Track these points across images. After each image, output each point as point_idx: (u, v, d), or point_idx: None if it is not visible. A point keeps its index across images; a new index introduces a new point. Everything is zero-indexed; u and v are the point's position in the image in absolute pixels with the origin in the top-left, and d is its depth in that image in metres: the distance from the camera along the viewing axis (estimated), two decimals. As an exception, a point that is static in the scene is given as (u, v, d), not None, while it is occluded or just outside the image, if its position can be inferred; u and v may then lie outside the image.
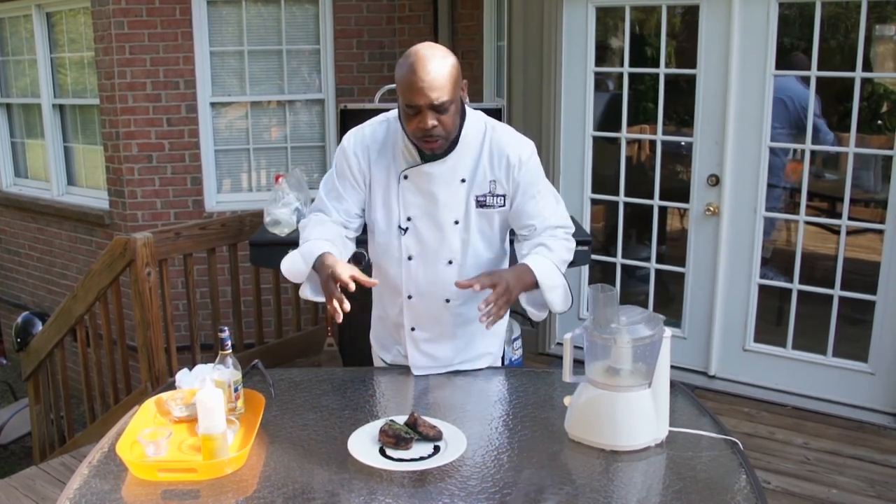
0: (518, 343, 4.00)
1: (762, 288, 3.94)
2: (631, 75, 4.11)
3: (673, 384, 1.90)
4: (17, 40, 6.13)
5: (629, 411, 1.76)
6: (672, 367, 1.82)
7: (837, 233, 3.74)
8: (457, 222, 2.13)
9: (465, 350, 2.25)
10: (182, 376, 2.03)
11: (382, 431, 1.76)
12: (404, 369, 2.26)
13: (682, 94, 4.06)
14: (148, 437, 1.76)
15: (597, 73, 4.21)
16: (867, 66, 3.77)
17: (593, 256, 4.16)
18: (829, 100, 3.97)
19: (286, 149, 5.44)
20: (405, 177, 2.11)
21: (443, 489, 1.63)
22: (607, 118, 4.30)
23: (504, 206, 2.14)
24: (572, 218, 3.99)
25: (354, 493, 1.63)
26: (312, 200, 3.90)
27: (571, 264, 3.53)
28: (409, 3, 5.24)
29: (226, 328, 1.95)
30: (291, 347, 4.62)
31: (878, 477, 3.19)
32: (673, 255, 4.30)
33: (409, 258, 2.17)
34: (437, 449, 1.75)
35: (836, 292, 3.75)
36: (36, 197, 6.15)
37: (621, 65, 4.16)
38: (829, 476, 3.20)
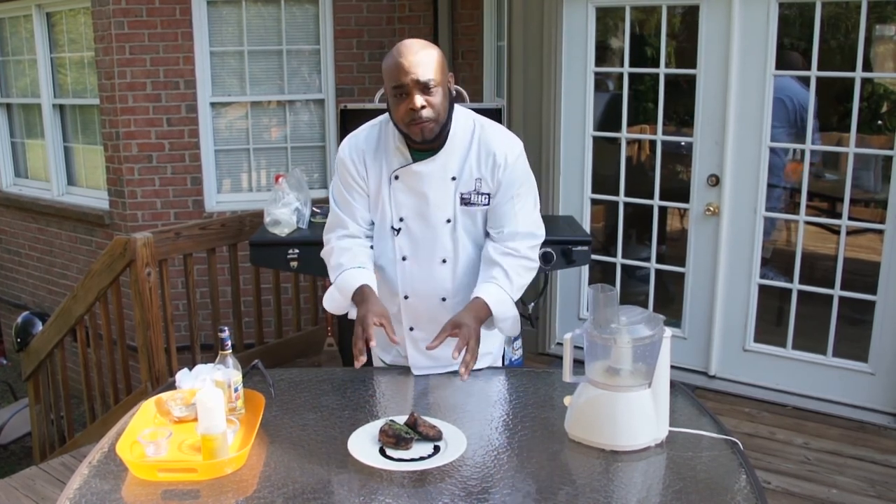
0: (518, 343, 3.99)
1: (762, 288, 3.93)
2: (631, 75, 4.11)
3: (673, 384, 1.90)
4: (17, 40, 6.13)
5: (629, 411, 1.76)
6: (672, 367, 1.82)
7: (837, 233, 3.74)
8: (449, 221, 2.14)
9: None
10: (182, 376, 2.03)
11: (382, 431, 1.76)
12: (404, 369, 2.26)
13: (682, 94, 4.06)
14: (148, 437, 1.76)
15: (597, 73, 4.21)
16: (867, 66, 3.77)
17: (593, 256, 4.16)
18: (829, 100, 3.97)
19: (286, 149, 5.44)
20: (396, 177, 2.12)
21: (443, 489, 1.63)
22: (607, 118, 4.30)
23: (488, 204, 2.15)
24: (571, 218, 4.03)
25: (354, 493, 1.63)
26: (312, 201, 3.95)
27: (571, 263, 3.58)
28: (409, 3, 5.24)
29: (226, 328, 1.95)
30: (291, 347, 4.62)
31: (879, 477, 3.19)
32: (673, 255, 4.30)
33: (404, 258, 2.18)
34: (437, 449, 1.75)
35: (836, 292, 3.74)
36: (36, 197, 6.15)
37: (621, 65, 4.16)
38: (830, 476, 3.20)
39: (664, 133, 4.07)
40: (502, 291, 2.11)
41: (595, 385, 1.80)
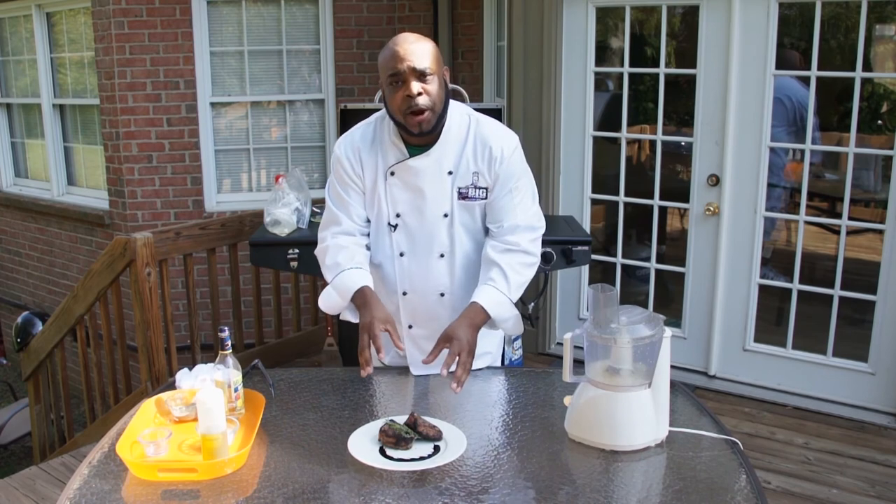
0: (518, 343, 3.99)
1: (762, 288, 3.94)
2: (631, 75, 4.11)
3: (673, 384, 1.90)
4: (17, 40, 6.13)
5: (629, 411, 1.76)
6: (672, 367, 1.82)
7: (837, 233, 3.74)
8: (446, 215, 2.14)
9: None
10: (182, 376, 2.03)
11: (382, 431, 1.76)
12: (404, 369, 2.26)
13: (682, 94, 4.06)
14: (148, 437, 1.76)
15: (597, 73, 4.21)
16: (867, 66, 3.77)
17: (593, 256, 4.16)
18: (828, 100, 3.97)
19: (286, 149, 5.44)
20: (392, 173, 2.12)
21: (443, 489, 1.63)
22: (607, 118, 4.30)
23: (486, 198, 2.15)
24: (571, 218, 4.03)
25: (354, 494, 1.63)
26: (313, 201, 3.95)
27: (571, 263, 3.58)
28: (409, 3, 5.24)
29: (226, 328, 1.95)
30: (291, 347, 4.62)
31: (879, 477, 3.19)
32: (673, 255, 4.30)
33: (401, 254, 2.18)
34: (437, 449, 1.75)
35: (836, 292, 3.74)
36: (36, 197, 6.15)
37: (621, 65, 4.16)
38: (830, 476, 3.20)
39: (664, 133, 4.07)
40: (499, 293, 2.11)
41: (595, 385, 1.80)
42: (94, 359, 4.17)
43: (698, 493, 1.62)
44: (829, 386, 3.81)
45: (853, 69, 3.54)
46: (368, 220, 2.23)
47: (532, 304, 3.76)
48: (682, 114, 4.14)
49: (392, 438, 1.74)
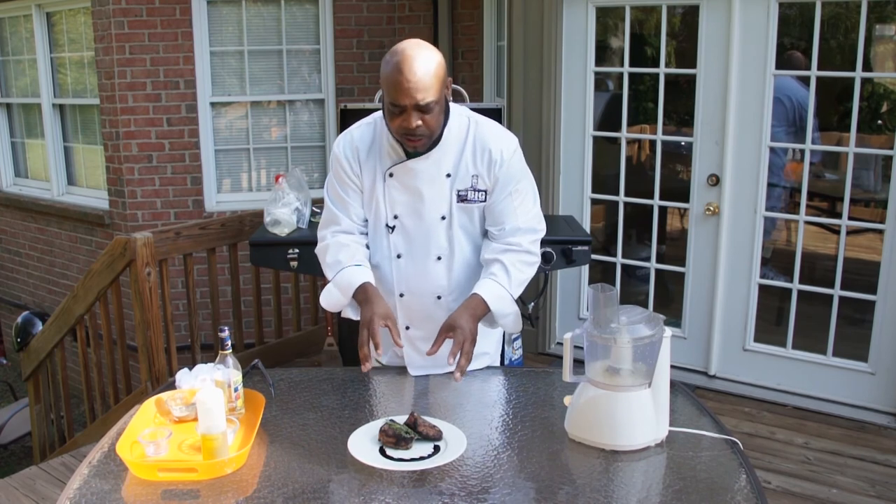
0: (518, 343, 4.00)
1: (762, 288, 3.94)
2: (631, 75, 4.11)
3: (673, 384, 1.90)
4: (17, 40, 6.13)
5: (629, 411, 1.76)
6: (672, 366, 1.82)
7: (837, 233, 3.74)
8: (443, 218, 2.14)
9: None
10: (182, 376, 2.03)
11: (382, 431, 1.76)
12: (403, 369, 2.26)
13: (682, 94, 4.06)
14: (148, 437, 1.76)
15: (597, 73, 4.21)
16: (867, 66, 3.77)
17: (593, 256, 4.16)
18: (828, 100, 3.97)
19: (286, 149, 5.44)
20: (390, 175, 2.12)
21: (443, 489, 1.63)
22: (607, 118, 4.30)
23: (485, 201, 2.14)
24: (571, 218, 4.03)
25: (354, 493, 1.63)
26: (313, 201, 3.95)
27: (571, 263, 3.58)
28: (409, 3, 5.24)
29: (226, 328, 1.95)
30: (291, 347, 4.62)
31: (879, 477, 3.19)
32: (673, 254, 4.30)
33: (399, 256, 2.18)
34: (437, 449, 1.75)
35: (836, 292, 3.74)
36: (36, 197, 6.15)
37: (621, 65, 4.16)
38: (830, 476, 3.20)
39: (664, 133, 4.07)
40: (501, 288, 2.11)
41: (595, 385, 1.80)
42: (94, 359, 4.17)
43: (698, 493, 1.62)
44: (829, 386, 3.81)
45: (853, 69, 3.54)
46: (367, 220, 2.23)
47: (532, 303, 3.76)
48: (682, 114, 4.14)
49: (392, 438, 1.74)
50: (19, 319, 5.87)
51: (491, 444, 1.83)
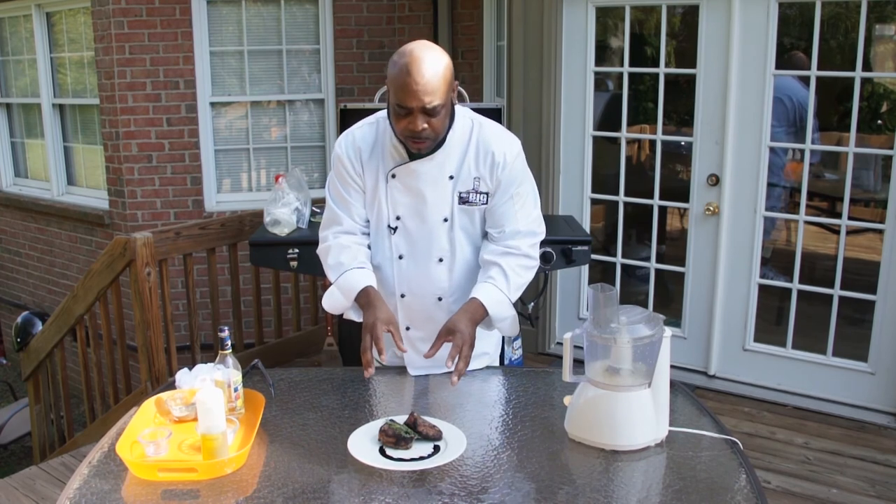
0: (518, 343, 4.00)
1: (762, 288, 3.94)
2: (631, 75, 4.11)
3: (673, 384, 1.90)
4: (17, 40, 6.13)
5: (629, 411, 1.76)
6: (672, 366, 1.82)
7: (837, 232, 3.74)
8: (446, 220, 2.14)
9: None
10: (182, 376, 2.03)
11: (382, 431, 1.76)
12: (403, 369, 2.26)
13: (682, 94, 4.06)
14: (148, 437, 1.76)
15: (597, 73, 4.21)
16: (867, 66, 3.77)
17: (593, 256, 4.16)
18: (829, 100, 3.97)
19: (286, 149, 5.44)
20: (393, 176, 2.12)
21: (443, 489, 1.63)
22: (607, 118, 4.30)
23: (486, 203, 2.14)
24: (571, 217, 4.03)
25: (354, 493, 1.63)
26: (312, 201, 3.95)
27: (571, 263, 3.58)
28: (409, 3, 5.24)
29: (226, 328, 1.95)
30: (291, 347, 4.62)
31: (879, 477, 3.19)
32: (673, 254, 4.30)
33: (400, 257, 2.18)
34: (436, 449, 1.75)
35: (836, 292, 3.74)
36: (36, 197, 6.15)
37: (621, 65, 4.16)
38: (830, 476, 3.20)
39: (664, 133, 4.07)
40: (499, 292, 2.11)
41: (595, 385, 1.80)
42: (94, 359, 4.17)
43: (698, 492, 1.62)
44: (829, 386, 3.81)
45: (853, 69, 3.54)
46: (369, 220, 2.23)
47: (532, 304, 3.76)
48: (682, 114, 4.14)
49: (392, 438, 1.74)
50: (19, 319, 5.87)
51: (491, 444, 1.83)
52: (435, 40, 5.03)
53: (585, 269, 4.34)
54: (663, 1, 3.93)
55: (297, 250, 3.58)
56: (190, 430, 1.85)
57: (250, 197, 5.37)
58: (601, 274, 4.47)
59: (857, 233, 3.97)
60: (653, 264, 4.22)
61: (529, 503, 1.61)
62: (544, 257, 3.38)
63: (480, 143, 2.11)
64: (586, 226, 4.31)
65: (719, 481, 1.68)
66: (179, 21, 5.06)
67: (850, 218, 3.70)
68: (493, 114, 2.99)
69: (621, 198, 4.22)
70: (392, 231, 2.16)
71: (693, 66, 3.87)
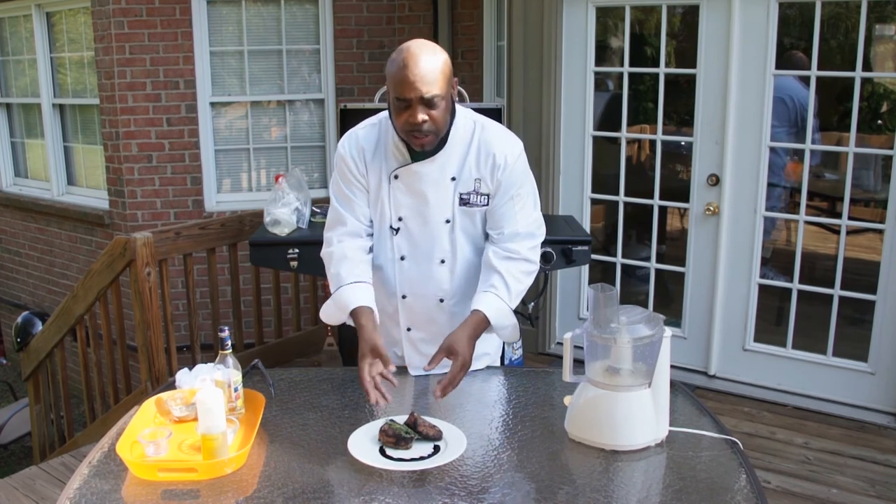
0: (518, 343, 3.99)
1: (762, 288, 3.94)
2: (631, 75, 4.11)
3: (673, 384, 1.90)
4: (17, 40, 6.13)
5: (629, 411, 1.76)
6: (672, 366, 1.82)
7: (837, 232, 3.74)
8: (448, 221, 2.13)
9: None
10: (182, 376, 2.03)
11: (382, 431, 1.76)
12: (403, 369, 2.26)
13: (682, 94, 4.06)
14: (148, 437, 1.76)
15: (597, 73, 4.21)
16: (867, 66, 3.77)
17: (593, 256, 4.16)
18: (829, 100, 3.97)
19: (286, 149, 5.44)
20: (395, 177, 2.11)
21: (443, 489, 1.63)
22: (607, 118, 4.30)
23: (487, 204, 2.14)
24: (571, 217, 4.03)
25: (354, 493, 1.63)
26: (312, 201, 3.95)
27: (571, 263, 3.58)
28: (409, 3, 5.24)
29: (226, 328, 1.95)
30: (291, 347, 4.62)
31: (879, 477, 3.19)
32: (673, 254, 4.30)
33: (402, 258, 2.17)
34: (436, 449, 1.75)
35: (836, 292, 3.74)
36: (36, 197, 6.15)
37: (621, 65, 4.16)
38: (830, 476, 3.20)
39: (664, 133, 4.07)
40: (501, 301, 2.10)
41: (595, 385, 1.80)
42: (94, 359, 4.17)
43: (698, 492, 1.62)
44: (829, 386, 3.81)
45: (853, 69, 3.54)
46: (373, 220, 2.22)
47: (532, 304, 3.76)
48: (682, 114, 4.14)
49: (392, 438, 1.74)
50: (19, 319, 5.87)
51: (491, 444, 1.83)
52: (435, 40, 5.02)
53: (585, 269, 4.34)
54: (663, 1, 3.93)
55: (297, 250, 3.58)
56: (190, 430, 1.85)
57: (250, 197, 5.37)
58: (601, 274, 4.47)
59: (857, 233, 3.97)
60: (653, 264, 4.22)
61: (529, 503, 1.61)
62: (544, 257, 3.38)
63: (482, 144, 2.11)
64: (586, 226, 4.31)
65: (719, 481, 1.68)
66: (179, 21, 5.06)
67: (850, 218, 3.70)
68: (493, 114, 2.98)
69: (621, 198, 4.22)
70: (394, 232, 2.16)
71: (693, 66, 3.87)
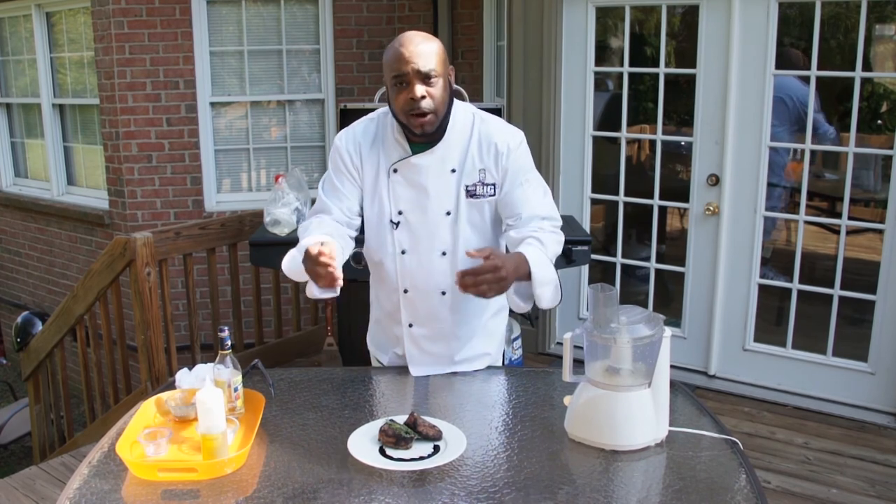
0: (518, 343, 3.99)
1: (762, 288, 3.94)
2: (631, 75, 4.11)
3: (673, 384, 1.90)
4: (17, 40, 6.13)
5: (629, 411, 1.76)
6: (672, 366, 1.82)
7: (837, 232, 3.74)
8: (448, 213, 2.13)
9: (464, 349, 2.25)
10: (182, 376, 2.03)
11: (382, 431, 1.76)
12: (404, 369, 2.26)
13: (682, 94, 4.06)
14: (148, 437, 1.76)
15: (597, 73, 4.21)
16: (867, 66, 3.77)
17: (593, 256, 4.16)
18: (829, 100, 3.97)
19: (286, 149, 5.44)
20: (395, 170, 2.12)
21: (443, 489, 1.63)
22: (607, 118, 4.30)
23: (494, 195, 2.13)
24: (571, 217, 4.03)
25: (354, 493, 1.63)
26: (313, 201, 3.94)
27: (571, 263, 3.59)
28: (409, 3, 5.24)
29: (226, 328, 1.95)
30: (291, 347, 4.62)
31: (879, 477, 3.19)
32: (673, 254, 4.30)
33: (403, 252, 2.17)
34: (436, 449, 1.75)
35: (836, 292, 3.74)
36: (36, 197, 6.15)
37: (621, 65, 4.16)
38: (830, 476, 3.20)
39: (664, 133, 4.07)
40: (542, 254, 2.01)
41: (595, 385, 1.80)
42: (94, 359, 4.17)
43: (698, 492, 1.62)
44: (829, 386, 3.81)
45: (853, 69, 3.54)
46: (359, 216, 2.20)
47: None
48: (681, 114, 4.14)
49: (392, 438, 1.74)
50: (19, 319, 5.87)
51: (491, 444, 1.83)
52: (435, 40, 5.03)
53: (585, 269, 4.34)
54: (663, 1, 3.93)
55: (297, 250, 3.58)
56: (190, 430, 1.85)
57: (250, 197, 5.37)
58: (601, 274, 4.47)
59: (857, 233, 3.97)
60: (653, 264, 4.22)
61: (529, 503, 1.61)
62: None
63: (483, 134, 2.11)
64: (586, 226, 4.31)
65: (719, 481, 1.68)
66: (179, 21, 5.06)
67: (850, 218, 3.70)
68: (493, 114, 2.98)
69: (621, 198, 4.22)
70: (394, 226, 2.16)
71: (693, 66, 3.87)
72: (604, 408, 1.77)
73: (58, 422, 4.68)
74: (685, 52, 3.99)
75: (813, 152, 3.83)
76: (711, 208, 3.92)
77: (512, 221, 2.13)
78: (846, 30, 3.74)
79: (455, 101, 2.12)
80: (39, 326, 5.42)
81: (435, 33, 5.10)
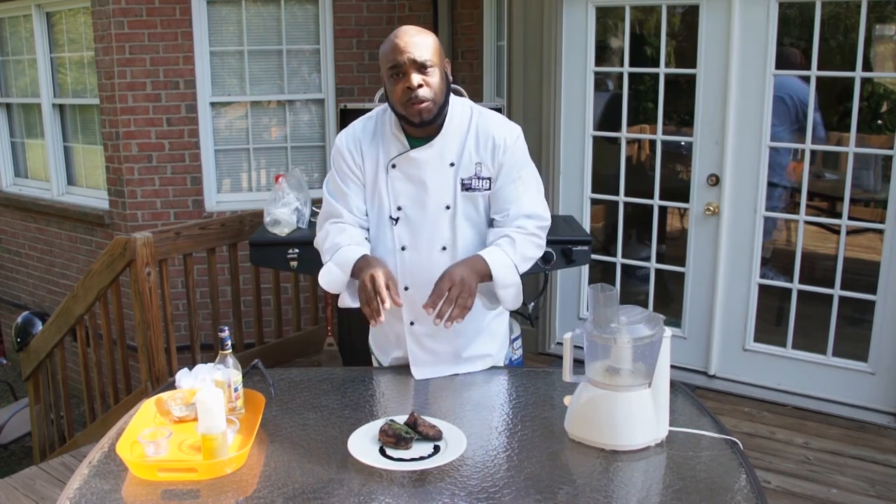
0: (518, 343, 3.99)
1: (762, 288, 3.94)
2: (631, 75, 4.11)
3: (673, 384, 1.90)
4: (17, 40, 6.13)
5: (629, 411, 1.76)
6: (672, 366, 1.82)
7: (837, 232, 3.74)
8: (448, 207, 2.13)
9: (466, 348, 2.25)
10: (182, 376, 2.03)
11: (382, 431, 1.76)
12: (404, 369, 2.26)
13: (682, 94, 4.06)
14: (148, 437, 1.76)
15: (597, 73, 4.21)
16: (867, 66, 3.77)
17: (593, 256, 4.16)
18: (829, 100, 3.97)
19: (286, 149, 5.44)
20: (393, 166, 2.12)
21: (443, 489, 1.63)
22: (607, 118, 4.30)
23: (489, 188, 2.14)
24: (571, 217, 4.03)
25: (354, 493, 1.63)
26: (312, 201, 3.95)
27: (571, 263, 3.58)
28: (409, 3, 5.24)
29: (226, 328, 1.95)
30: (291, 347, 4.62)
31: (879, 477, 3.19)
32: (673, 254, 4.30)
33: (403, 248, 2.17)
34: (437, 449, 1.75)
35: (836, 292, 3.74)
36: (36, 197, 6.15)
37: (621, 65, 4.16)
38: (830, 476, 3.20)
39: (664, 133, 4.07)
40: (505, 256, 2.08)
41: (595, 385, 1.80)
42: (94, 359, 4.17)
43: (698, 492, 1.62)
44: (829, 386, 3.81)
45: (853, 69, 3.54)
46: (367, 214, 2.22)
47: (532, 303, 3.76)
48: (682, 114, 4.14)
49: (392, 438, 1.74)
50: (19, 319, 5.88)
51: (491, 444, 1.83)
52: (435, 40, 5.03)
53: (585, 269, 4.34)
54: (663, 1, 3.93)
55: (297, 250, 3.58)
56: (190, 430, 1.85)
57: (250, 197, 5.37)
58: (601, 274, 4.47)
59: (857, 233, 3.97)
60: (653, 264, 4.22)
61: (529, 503, 1.61)
62: (544, 257, 3.37)
63: (480, 128, 2.12)
64: (586, 226, 4.31)
65: (719, 481, 1.68)
66: (179, 21, 5.06)
67: (850, 218, 3.70)
68: (493, 114, 2.98)
69: (621, 198, 4.22)
70: (394, 222, 2.16)
71: (693, 66, 3.87)
72: (604, 408, 1.77)
73: (58, 422, 4.68)
74: (685, 52, 3.99)
75: (813, 152, 3.83)
76: (711, 208, 3.92)
77: (500, 217, 2.15)
78: (846, 30, 3.74)
79: (452, 96, 2.12)
80: (39, 326, 5.42)
81: (435, 33, 5.10)
